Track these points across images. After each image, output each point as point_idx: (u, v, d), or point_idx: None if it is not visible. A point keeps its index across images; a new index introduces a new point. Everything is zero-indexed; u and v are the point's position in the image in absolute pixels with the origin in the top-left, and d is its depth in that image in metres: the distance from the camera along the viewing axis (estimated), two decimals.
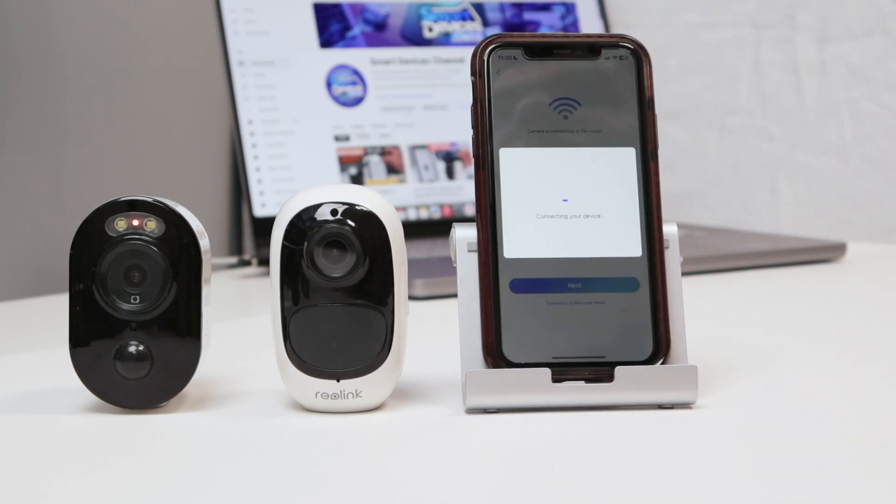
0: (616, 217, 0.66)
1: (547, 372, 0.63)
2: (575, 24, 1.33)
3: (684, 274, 0.67)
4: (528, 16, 1.31)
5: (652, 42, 1.28)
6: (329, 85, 1.22)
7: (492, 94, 0.66)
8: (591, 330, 0.65)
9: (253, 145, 1.18)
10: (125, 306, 0.64)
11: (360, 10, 1.24)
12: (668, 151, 1.32)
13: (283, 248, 0.63)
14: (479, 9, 1.29)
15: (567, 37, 0.68)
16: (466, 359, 0.64)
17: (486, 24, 1.29)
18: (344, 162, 1.20)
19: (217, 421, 0.63)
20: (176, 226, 0.64)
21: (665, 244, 0.66)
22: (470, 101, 0.66)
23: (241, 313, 1.00)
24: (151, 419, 0.64)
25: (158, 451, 0.60)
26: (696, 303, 0.75)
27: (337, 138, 1.21)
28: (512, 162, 0.66)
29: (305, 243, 0.63)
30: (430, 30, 1.27)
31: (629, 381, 0.64)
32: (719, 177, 1.35)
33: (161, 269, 0.64)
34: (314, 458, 0.58)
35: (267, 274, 0.80)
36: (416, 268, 0.99)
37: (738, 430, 0.62)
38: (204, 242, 0.66)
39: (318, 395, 0.64)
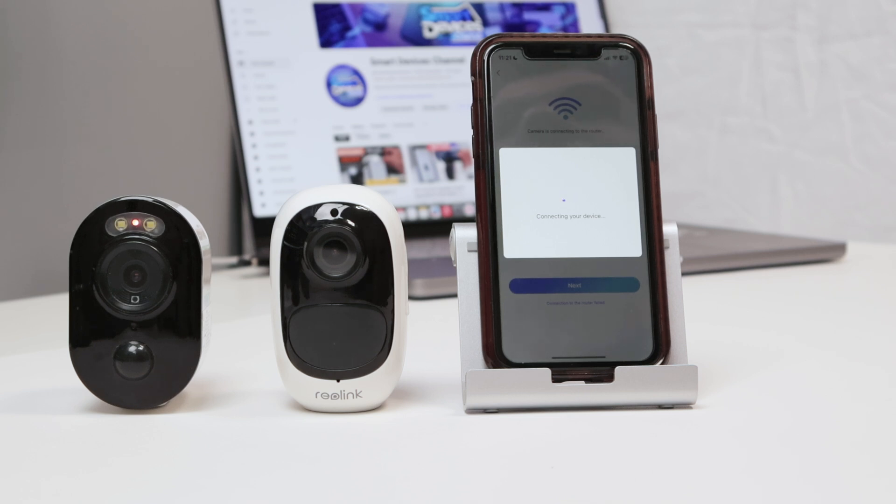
0: (616, 217, 0.66)
1: (547, 372, 0.63)
2: (575, 24, 1.33)
3: (684, 274, 0.67)
4: (528, 16, 1.31)
5: (652, 42, 1.28)
6: (329, 85, 1.22)
7: (492, 94, 0.66)
8: (591, 330, 0.65)
9: (253, 145, 1.18)
10: (125, 306, 0.64)
11: (360, 10, 1.24)
12: (668, 151, 1.32)
13: (283, 248, 0.63)
14: (479, 9, 1.29)
15: (567, 37, 0.68)
16: (466, 359, 0.64)
17: (486, 24, 1.29)
18: (344, 162, 1.20)
19: (217, 421, 0.63)
20: (176, 226, 0.64)
21: (665, 244, 0.66)
22: (470, 101, 0.67)
23: (241, 313, 1.00)
24: (151, 419, 0.64)
25: (158, 451, 0.60)
26: (696, 303, 0.75)
27: (337, 138, 1.21)
28: (512, 162, 0.66)
29: (305, 243, 0.63)
30: (430, 30, 1.27)
31: (629, 381, 0.64)
32: (719, 177, 1.35)
33: (161, 269, 0.64)
34: (314, 458, 0.58)
35: (267, 274, 0.80)
36: (416, 268, 0.99)
37: (738, 430, 0.62)
38: (204, 242, 0.66)
39: (318, 395, 0.64)
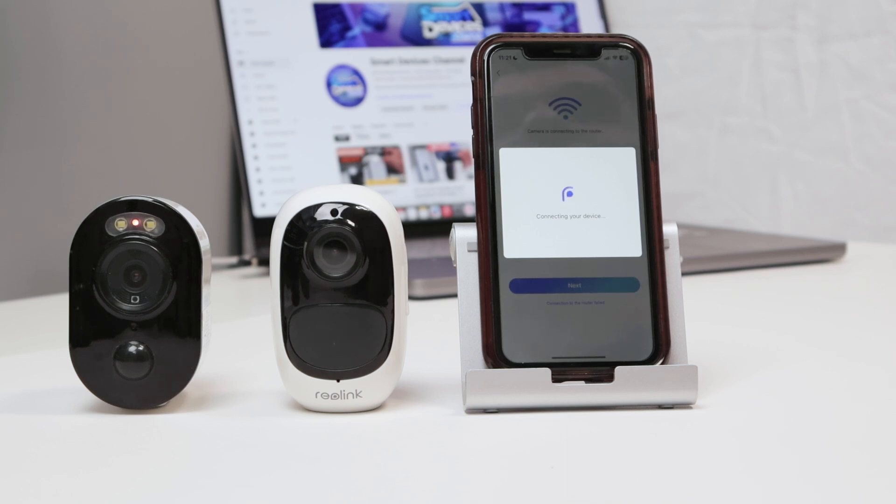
0: (616, 217, 0.66)
1: (547, 372, 0.63)
2: (575, 24, 1.33)
3: (684, 274, 0.67)
4: (528, 16, 1.31)
5: (652, 42, 1.28)
6: (329, 85, 1.22)
7: (492, 94, 0.66)
8: (591, 330, 0.65)
9: (253, 145, 1.18)
10: (125, 306, 0.64)
11: (360, 10, 1.24)
12: (668, 151, 1.32)
13: (283, 248, 0.63)
14: (479, 9, 1.29)
15: (567, 37, 0.68)
16: (466, 359, 0.64)
17: (486, 24, 1.29)
18: (344, 162, 1.20)
19: (217, 421, 0.63)
20: (176, 226, 0.64)
21: (665, 244, 0.66)
22: (470, 101, 0.67)
23: (241, 313, 1.00)
24: (151, 419, 0.64)
25: (158, 451, 0.60)
26: (696, 303, 0.75)
27: (337, 138, 1.21)
28: (512, 162, 0.66)
29: (305, 243, 0.63)
30: (430, 30, 1.27)
31: (629, 381, 0.64)
32: (719, 177, 1.35)
33: (161, 269, 0.64)
34: (314, 458, 0.58)
35: (267, 274, 0.80)
36: (416, 268, 0.99)
37: (738, 430, 0.62)
38: (204, 242, 0.66)
39: (318, 395, 0.64)
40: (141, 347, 0.64)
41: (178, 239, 0.64)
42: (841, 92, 1.26)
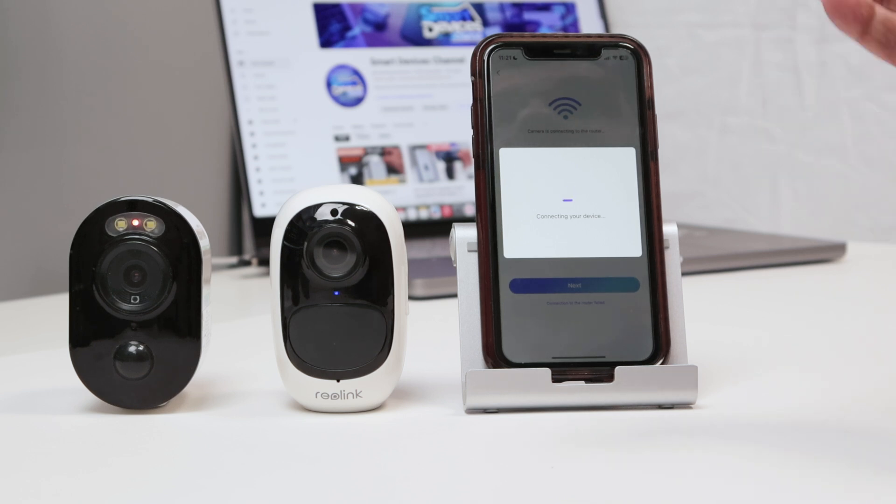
0: (616, 217, 0.66)
1: (547, 372, 0.63)
2: (575, 24, 1.33)
3: (684, 274, 0.67)
4: (528, 16, 1.31)
5: (652, 42, 1.28)
6: (329, 85, 1.22)
7: (492, 94, 0.66)
8: (591, 330, 0.65)
9: (253, 145, 1.18)
10: (125, 306, 0.64)
11: (360, 10, 1.24)
12: (668, 151, 1.32)
13: (283, 248, 0.63)
14: (479, 9, 1.29)
15: (567, 37, 0.68)
16: (466, 359, 0.64)
17: (486, 24, 1.29)
18: (344, 162, 1.20)
19: (217, 421, 0.63)
20: (176, 226, 0.64)
21: (665, 244, 0.66)
22: (470, 101, 0.67)
23: (241, 313, 1.00)
24: (151, 419, 0.64)
25: (158, 451, 0.60)
26: (696, 303, 0.75)
27: (337, 138, 1.21)
28: (512, 162, 0.66)
29: (305, 243, 0.63)
30: (430, 30, 1.27)
31: (629, 381, 0.64)
32: (719, 177, 1.35)
33: (161, 269, 0.64)
34: (314, 458, 0.58)
35: (267, 274, 0.80)
36: (416, 268, 0.99)
37: (737, 430, 0.62)
38: (204, 242, 0.66)
39: (318, 395, 0.64)
40: (141, 347, 0.64)
41: (178, 239, 0.64)
42: (841, 92, 1.26)
